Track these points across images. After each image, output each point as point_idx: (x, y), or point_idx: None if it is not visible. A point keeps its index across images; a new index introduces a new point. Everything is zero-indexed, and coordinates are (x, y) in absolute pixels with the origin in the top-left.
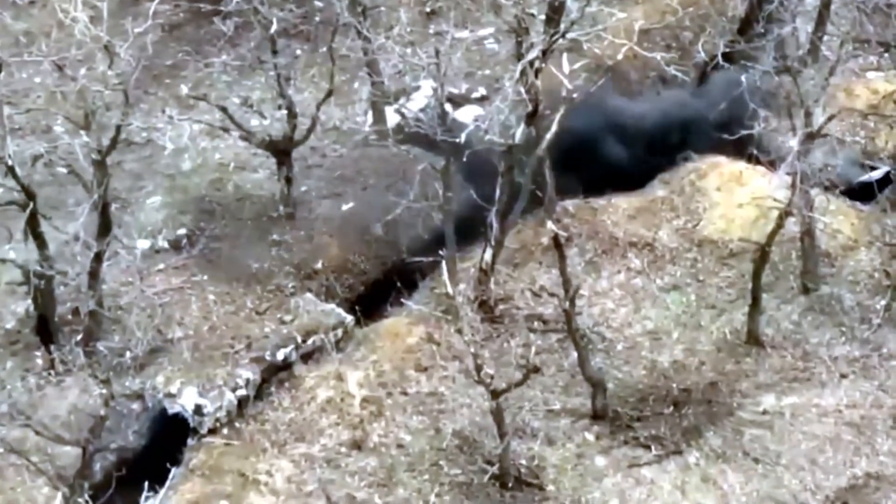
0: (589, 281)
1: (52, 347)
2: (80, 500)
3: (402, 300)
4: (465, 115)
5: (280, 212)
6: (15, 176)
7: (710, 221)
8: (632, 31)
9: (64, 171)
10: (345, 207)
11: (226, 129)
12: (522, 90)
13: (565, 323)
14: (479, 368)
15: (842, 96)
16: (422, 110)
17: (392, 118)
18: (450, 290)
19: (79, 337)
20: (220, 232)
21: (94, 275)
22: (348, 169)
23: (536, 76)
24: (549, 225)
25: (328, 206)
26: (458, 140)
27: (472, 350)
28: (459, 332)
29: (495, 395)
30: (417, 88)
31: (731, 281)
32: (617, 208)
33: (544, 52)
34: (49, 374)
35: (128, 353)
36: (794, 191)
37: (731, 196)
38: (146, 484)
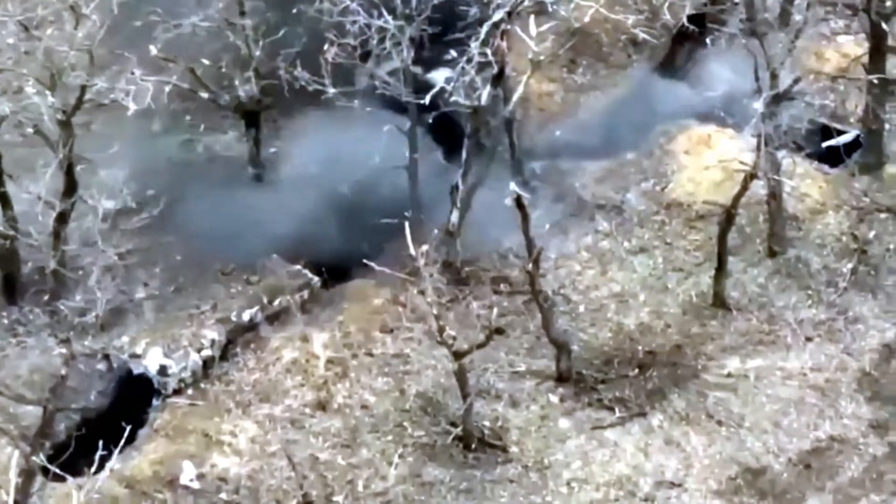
0: (556, 243)
1: (15, 308)
2: (37, 459)
3: (368, 262)
4: (437, 77)
5: (249, 173)
6: None
7: (678, 184)
8: None
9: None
10: (314, 170)
11: (195, 91)
12: (488, 52)
13: (529, 285)
14: (441, 330)
15: (812, 59)
16: (392, 73)
17: (362, 80)
18: (412, 251)
19: (45, 297)
20: (188, 193)
21: (56, 235)
22: (317, 131)
23: (502, 38)
24: (512, 186)
25: (297, 168)
26: (422, 101)
27: (434, 311)
28: (422, 293)
29: (457, 356)
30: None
31: (698, 244)
32: (585, 171)
33: (509, 14)
34: (14, 333)
35: (91, 314)
36: (759, 153)
37: (700, 159)
38: (101, 443)
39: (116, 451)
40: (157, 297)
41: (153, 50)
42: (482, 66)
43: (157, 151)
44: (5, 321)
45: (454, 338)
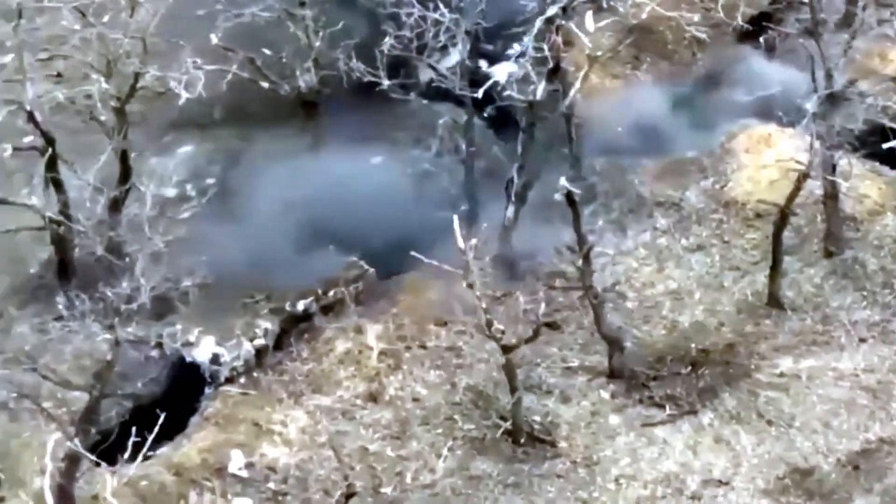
0: (614, 240)
1: (66, 292)
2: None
3: (416, 255)
4: (500, 72)
5: (309, 165)
6: (34, 121)
7: (737, 183)
8: None
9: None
10: (374, 161)
11: (255, 81)
12: (545, 47)
13: (579, 281)
14: (489, 324)
15: (876, 61)
16: (455, 66)
17: (425, 73)
18: (461, 244)
19: (97, 283)
20: (247, 182)
21: (109, 221)
22: (377, 123)
23: (557, 33)
24: (562, 181)
25: (357, 159)
26: (475, 95)
27: (483, 305)
28: (470, 286)
29: (506, 350)
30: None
31: (755, 242)
32: (645, 168)
33: (564, 10)
34: (62, 318)
35: (136, 300)
36: (812, 153)
37: (760, 158)
38: (152, 429)
39: (150, 439)
40: (212, 285)
41: (214, 39)
42: (539, 61)
43: (216, 140)
44: (59, 306)
45: (503, 332)
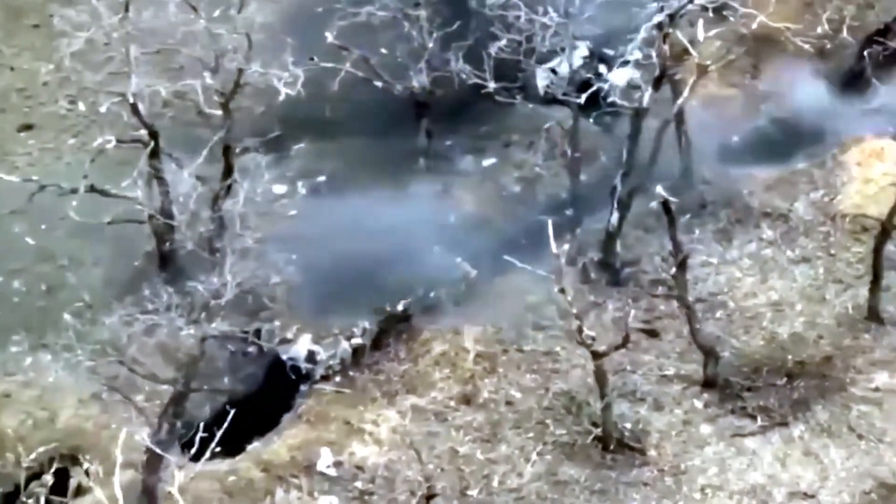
0: (719, 249)
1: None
2: (163, 438)
3: (508, 258)
4: (620, 77)
5: (420, 164)
6: (137, 114)
7: (847, 196)
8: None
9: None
10: (485, 163)
11: (369, 80)
12: (653, 54)
13: (670, 288)
14: (580, 330)
15: None
16: (575, 71)
17: (543, 77)
18: (554, 248)
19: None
20: (358, 181)
21: (212, 216)
22: (488, 125)
23: (665, 41)
24: (658, 189)
25: (469, 162)
26: (579, 101)
27: (574, 310)
28: (562, 291)
29: (596, 356)
30: (574, 48)
31: (861, 256)
32: (755, 178)
33: (672, 17)
34: (155, 311)
35: (223, 296)
36: None
37: (870, 171)
38: (224, 427)
39: (218, 435)
40: (314, 283)
41: (329, 37)
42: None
43: (332, 138)
44: (164, 297)
45: (593, 338)
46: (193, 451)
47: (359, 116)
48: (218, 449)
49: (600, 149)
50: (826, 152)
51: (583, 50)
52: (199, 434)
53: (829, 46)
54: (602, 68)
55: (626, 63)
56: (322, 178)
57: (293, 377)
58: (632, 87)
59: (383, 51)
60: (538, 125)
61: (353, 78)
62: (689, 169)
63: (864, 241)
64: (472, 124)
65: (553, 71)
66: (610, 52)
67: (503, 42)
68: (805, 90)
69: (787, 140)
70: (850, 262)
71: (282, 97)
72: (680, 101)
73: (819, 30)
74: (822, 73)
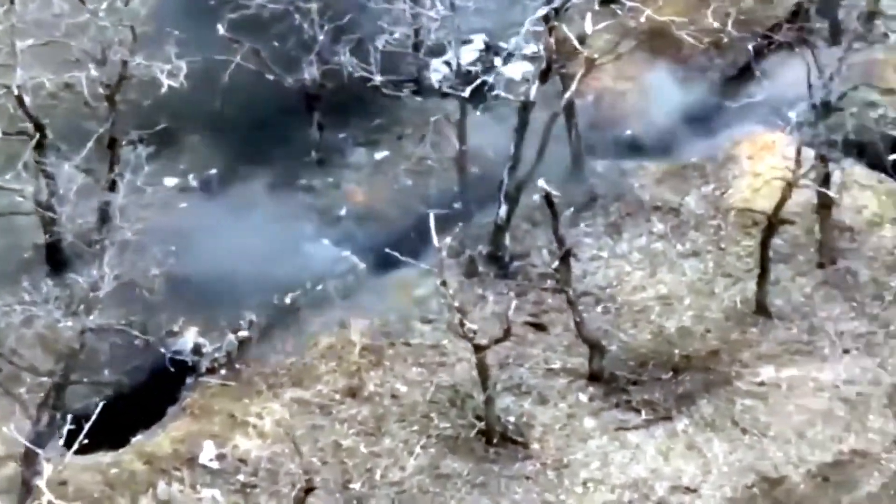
0: (609, 243)
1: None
2: (42, 430)
3: (391, 252)
4: (514, 70)
5: (312, 157)
6: (23, 106)
7: (737, 190)
8: None
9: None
10: (378, 156)
11: (261, 73)
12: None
13: (557, 282)
14: (461, 323)
15: (889, 71)
16: (472, 64)
17: (437, 71)
18: (435, 241)
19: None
20: (250, 174)
21: (100, 208)
22: (384, 118)
23: (550, 34)
24: (541, 183)
25: (361, 154)
26: (463, 94)
27: (455, 304)
28: (444, 285)
29: (478, 349)
30: (468, 42)
31: (750, 250)
32: (647, 172)
33: (557, 11)
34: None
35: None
36: (797, 162)
37: (761, 165)
38: (91, 420)
39: (86, 427)
40: (201, 276)
41: (220, 29)
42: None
43: (223, 131)
44: (43, 289)
45: (475, 331)
46: (75, 444)
47: (251, 109)
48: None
49: (491, 142)
50: (718, 146)
51: (478, 43)
52: (69, 427)
53: (726, 41)
54: (497, 61)
55: (520, 57)
56: (214, 171)
57: (173, 370)
58: (526, 80)
59: (275, 43)
60: (431, 118)
61: (244, 70)
62: (579, 162)
63: (753, 235)
64: (365, 117)
65: (448, 64)
66: (505, 45)
67: (388, 36)
68: (696, 84)
69: (680, 133)
70: (740, 255)
71: (164, 89)
72: (567, 94)
73: (718, 24)
74: (718, 66)
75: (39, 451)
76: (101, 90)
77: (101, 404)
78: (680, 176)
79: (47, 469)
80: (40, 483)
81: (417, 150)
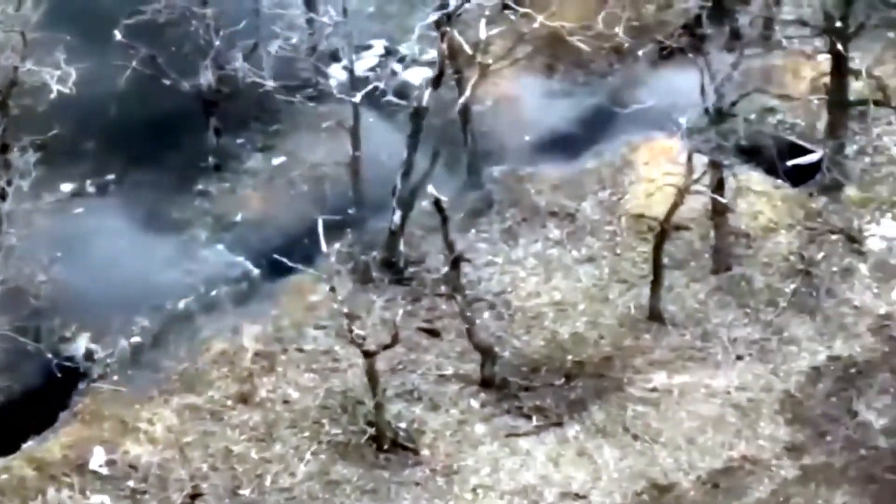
0: (505, 249)
1: None
2: None
3: (279, 258)
4: (415, 76)
5: (209, 163)
6: None
7: (634, 195)
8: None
9: None
10: (275, 162)
11: (157, 78)
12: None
13: (449, 287)
14: (350, 329)
15: (789, 76)
16: (372, 69)
17: (338, 74)
18: (324, 247)
19: None
20: (147, 179)
21: None
22: (283, 123)
23: (442, 40)
24: (430, 189)
25: (258, 160)
26: (354, 99)
27: (344, 310)
28: (332, 290)
29: (367, 355)
30: (368, 47)
31: (646, 256)
32: (544, 177)
33: (449, 16)
34: None
35: None
36: (689, 168)
37: (657, 171)
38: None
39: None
40: (95, 281)
41: (117, 35)
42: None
43: (119, 137)
44: None
45: (363, 337)
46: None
47: (148, 115)
48: None
49: (388, 148)
50: (616, 152)
51: (378, 48)
52: None
53: (626, 46)
54: (397, 67)
55: (420, 62)
56: (111, 176)
57: (63, 375)
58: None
59: (172, 49)
60: (323, 124)
61: (142, 76)
62: (476, 168)
63: (649, 241)
64: (263, 123)
65: (348, 69)
66: (405, 50)
67: (282, 41)
68: (596, 89)
69: (578, 139)
70: (635, 261)
71: (53, 95)
72: (462, 99)
73: (614, 31)
74: (618, 72)
75: None
76: None
77: None
78: (577, 182)
79: None
80: None
81: (315, 155)
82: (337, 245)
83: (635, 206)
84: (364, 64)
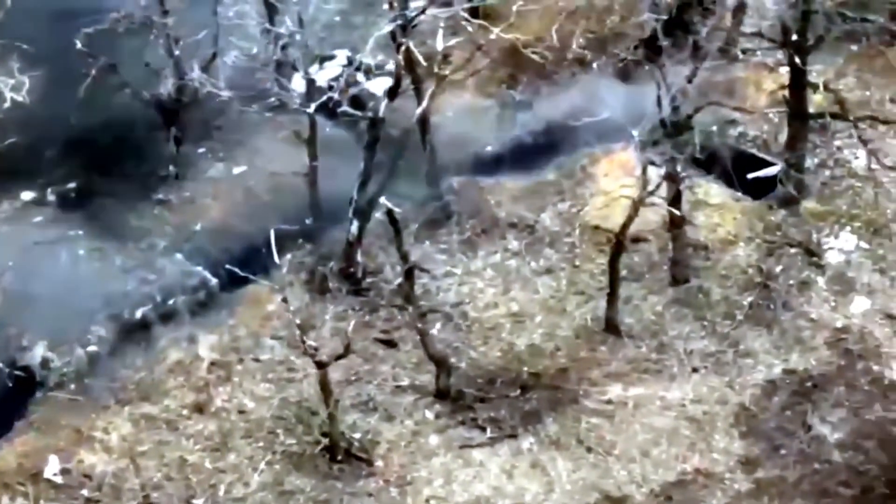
0: (464, 259)
1: None
2: None
3: (231, 268)
4: (378, 86)
5: (169, 171)
6: None
7: (593, 207)
8: (555, 11)
9: None
10: (236, 171)
11: (123, 87)
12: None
13: (402, 298)
14: (302, 339)
15: (751, 88)
16: (334, 79)
17: (299, 84)
18: (276, 258)
19: None
20: (107, 188)
21: None
22: (243, 133)
23: (398, 51)
24: (382, 200)
25: (219, 169)
26: (309, 111)
27: (297, 321)
28: (284, 301)
29: (320, 366)
30: (332, 57)
31: (605, 268)
32: (504, 188)
33: (404, 28)
34: None
35: None
36: (642, 180)
37: (618, 183)
38: None
39: None
40: (53, 290)
41: (78, 44)
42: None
43: (82, 145)
44: None
45: (316, 348)
46: None
47: (108, 123)
48: None
49: (348, 158)
50: (575, 163)
51: (341, 58)
52: None
53: (588, 57)
54: (359, 76)
55: (379, 73)
56: (72, 185)
57: (18, 384)
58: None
59: (130, 58)
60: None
61: (102, 85)
62: (434, 178)
63: (608, 253)
64: (224, 132)
65: (311, 79)
66: (368, 60)
67: (238, 52)
68: (558, 100)
69: (539, 150)
70: (594, 273)
71: (7, 104)
72: (419, 110)
73: (575, 44)
74: (581, 83)
75: None
76: None
77: None
78: (536, 193)
79: None
80: None
81: (275, 165)
82: (291, 256)
83: (594, 217)
84: (326, 74)
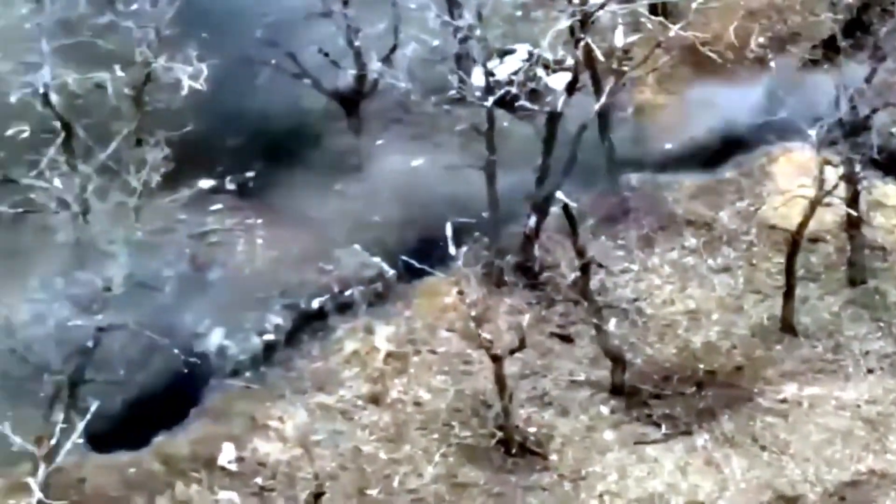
0: (641, 256)
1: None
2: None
3: (406, 259)
4: (558, 82)
5: (350, 162)
6: (49, 104)
7: (771, 206)
8: (736, 9)
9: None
10: (414, 163)
11: (298, 76)
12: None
13: (577, 293)
14: (478, 332)
15: None
16: (514, 73)
17: (478, 78)
18: (452, 250)
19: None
20: (285, 177)
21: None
22: (423, 126)
23: (577, 46)
24: (559, 195)
25: (398, 161)
26: (486, 104)
27: (473, 313)
28: (460, 293)
29: (495, 359)
30: (512, 52)
31: (782, 267)
32: (681, 186)
33: (583, 23)
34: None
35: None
36: (821, 181)
37: (796, 182)
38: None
39: (80, 427)
40: (230, 278)
41: (258, 33)
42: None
43: (262, 134)
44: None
45: (491, 341)
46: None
47: (286, 114)
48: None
49: (526, 152)
50: (753, 162)
51: (522, 53)
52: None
53: (770, 57)
54: (541, 72)
55: (560, 68)
56: (250, 174)
57: (196, 372)
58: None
59: (316, 49)
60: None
61: (280, 74)
62: (614, 174)
63: (785, 252)
64: (403, 125)
65: (491, 73)
66: (549, 56)
67: (415, 44)
68: (738, 99)
69: (719, 149)
70: (770, 272)
71: (185, 91)
72: (597, 106)
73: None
74: (761, 82)
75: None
76: (126, 91)
77: (93, 406)
78: (715, 191)
79: (42, 470)
80: (32, 482)
81: (453, 158)
82: (468, 248)
83: (772, 216)
84: (507, 68)
